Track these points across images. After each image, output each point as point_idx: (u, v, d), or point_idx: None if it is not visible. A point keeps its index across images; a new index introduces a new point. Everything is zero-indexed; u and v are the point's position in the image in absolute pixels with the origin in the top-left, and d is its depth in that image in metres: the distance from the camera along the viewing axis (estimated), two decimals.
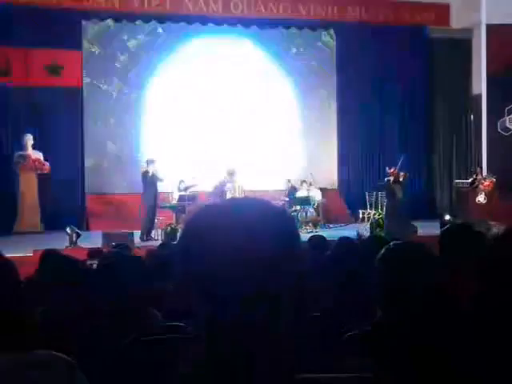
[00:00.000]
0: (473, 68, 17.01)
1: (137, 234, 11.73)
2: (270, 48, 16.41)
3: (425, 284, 2.10)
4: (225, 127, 15.94)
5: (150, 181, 12.37)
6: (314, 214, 14.34)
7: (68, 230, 11.05)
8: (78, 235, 11.05)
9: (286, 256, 1.03)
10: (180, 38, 15.82)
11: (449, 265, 2.88)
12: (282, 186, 15.00)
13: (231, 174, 13.80)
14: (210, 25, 15.77)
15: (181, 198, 13.22)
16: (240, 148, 15.89)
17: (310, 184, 14.85)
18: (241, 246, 1.00)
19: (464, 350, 1.82)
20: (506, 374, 1.76)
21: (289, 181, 14.89)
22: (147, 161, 12.69)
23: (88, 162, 15.18)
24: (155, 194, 12.45)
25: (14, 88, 14.27)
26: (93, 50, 15.21)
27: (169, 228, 11.95)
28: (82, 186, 15.03)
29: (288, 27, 16.30)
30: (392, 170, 13.39)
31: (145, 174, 12.48)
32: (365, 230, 13.08)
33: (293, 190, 14.62)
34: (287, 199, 14.28)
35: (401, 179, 13.28)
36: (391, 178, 13.32)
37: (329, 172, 16.70)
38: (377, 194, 15.13)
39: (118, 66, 15.44)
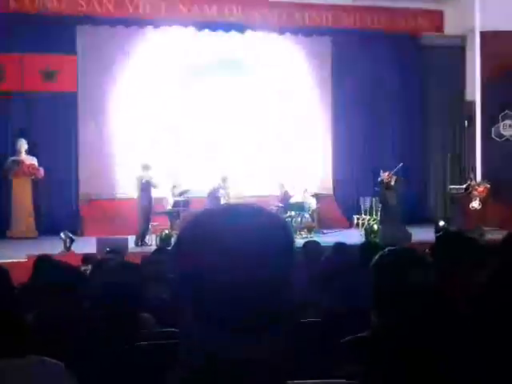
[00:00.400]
0: (467, 74, 17.05)
1: (131, 239, 11.72)
2: (264, 53, 16.43)
3: (419, 289, 2.10)
4: (218, 133, 15.94)
5: (143, 186, 12.37)
6: (309, 219, 14.34)
7: (62, 235, 11.02)
8: (72, 241, 11.02)
9: (282, 262, 1.03)
10: (174, 42, 15.83)
11: (442, 271, 2.89)
12: (276, 191, 14.97)
13: (224, 179, 13.83)
14: (205, 30, 15.80)
15: (175, 204, 13.22)
16: (234, 153, 15.91)
17: (305, 190, 14.84)
18: (236, 252, 1.00)
19: (460, 355, 1.82)
20: (504, 378, 1.76)
21: (282, 185, 14.85)
22: (142, 166, 12.70)
23: (82, 167, 15.16)
24: (149, 199, 12.44)
25: (8, 93, 14.25)
26: (88, 55, 15.19)
27: (163, 234, 11.94)
28: (77, 191, 15.00)
29: (283, 33, 16.33)
30: (387, 174, 13.56)
31: (138, 179, 12.49)
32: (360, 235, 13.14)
33: (287, 196, 14.58)
34: (281, 205, 14.27)
35: (392, 183, 13.43)
36: (384, 179, 13.49)
37: (323, 177, 16.72)
38: (371, 200, 15.16)
39: (113, 70, 15.43)
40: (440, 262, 2.99)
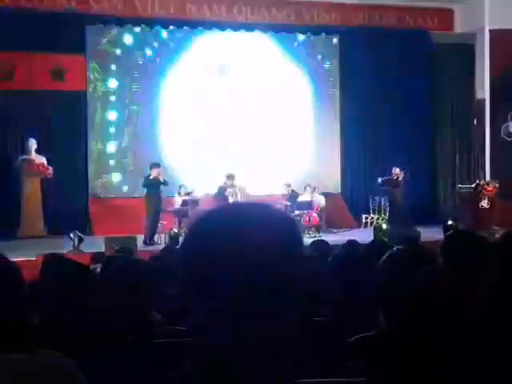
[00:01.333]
0: (476, 73, 16.99)
1: (140, 238, 11.74)
2: (272, 53, 16.43)
3: (427, 288, 2.10)
4: (225, 132, 15.95)
5: (150, 185, 12.37)
6: (317, 218, 14.31)
7: (71, 234, 11.07)
8: (81, 239, 11.06)
9: (290, 260, 1.04)
10: (183, 42, 15.85)
11: (452, 270, 2.88)
12: (284, 190, 14.96)
13: (230, 178, 13.79)
14: (214, 30, 15.81)
15: (183, 203, 13.24)
16: (241, 153, 15.91)
17: (314, 189, 14.81)
18: (244, 250, 1.00)
19: (467, 353, 1.82)
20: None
21: (288, 185, 14.81)
22: (151, 165, 12.71)
23: (91, 166, 15.20)
24: (157, 198, 12.44)
25: (17, 92, 14.29)
26: (97, 54, 15.23)
27: (172, 232, 11.97)
28: (86, 190, 15.04)
29: (291, 32, 16.32)
30: (398, 170, 13.80)
31: (146, 178, 12.51)
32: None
33: (294, 195, 14.55)
34: (289, 203, 14.25)
35: (400, 179, 13.61)
36: (392, 177, 13.67)
37: (332, 177, 16.69)
38: (380, 199, 15.14)
39: (121, 70, 15.45)
40: (450, 260, 2.98)
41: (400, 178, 14.00)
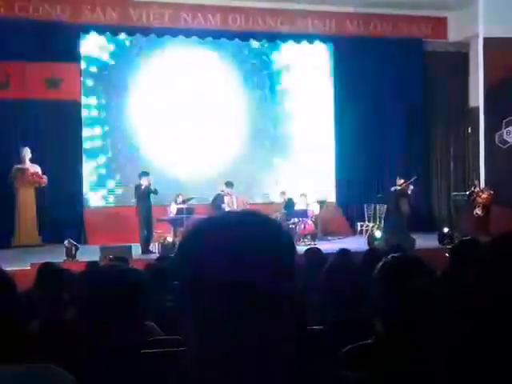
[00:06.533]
0: (470, 81, 17.07)
1: (135, 247, 11.71)
2: (269, 61, 16.49)
3: (423, 297, 2.10)
4: (221, 140, 15.95)
5: (142, 194, 12.33)
6: (312, 226, 14.32)
7: (66, 243, 11.03)
8: (77, 248, 11.03)
9: (283, 270, 1.03)
10: (178, 51, 15.87)
11: (461, 280, 2.88)
12: (279, 198, 14.98)
13: (228, 186, 13.81)
14: (209, 38, 15.84)
15: (178, 211, 13.21)
16: (236, 161, 15.93)
17: (309, 197, 14.80)
18: (237, 259, 1.00)
19: (464, 362, 1.82)
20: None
21: (283, 193, 14.84)
22: (140, 174, 12.66)
23: (86, 175, 15.17)
24: (148, 207, 12.38)
25: (12, 101, 14.27)
26: (91, 63, 15.24)
27: (166, 241, 11.94)
28: (80, 199, 15.00)
29: (286, 41, 16.37)
30: (402, 182, 13.80)
31: (137, 187, 12.45)
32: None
33: (289, 203, 14.56)
34: (284, 211, 14.26)
35: (409, 191, 13.67)
36: (398, 188, 13.68)
37: (327, 185, 16.71)
38: (375, 207, 15.14)
39: (116, 78, 15.46)
40: (457, 271, 2.98)
41: (409, 190, 14.05)
